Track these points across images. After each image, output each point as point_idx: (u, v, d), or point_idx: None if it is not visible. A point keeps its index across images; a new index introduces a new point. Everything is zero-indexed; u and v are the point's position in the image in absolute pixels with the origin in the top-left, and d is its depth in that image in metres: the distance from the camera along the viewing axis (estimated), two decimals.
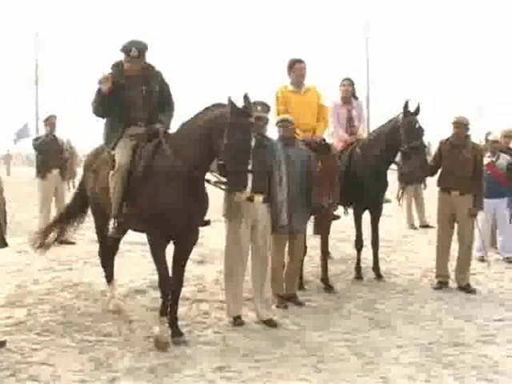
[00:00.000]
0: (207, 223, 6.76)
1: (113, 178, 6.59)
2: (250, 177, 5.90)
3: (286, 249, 7.85)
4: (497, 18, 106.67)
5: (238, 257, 6.97)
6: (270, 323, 6.98)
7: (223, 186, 6.25)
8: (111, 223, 6.72)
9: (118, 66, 6.88)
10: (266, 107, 7.03)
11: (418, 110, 8.49)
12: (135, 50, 6.71)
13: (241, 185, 5.88)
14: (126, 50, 6.73)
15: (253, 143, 5.93)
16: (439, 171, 8.88)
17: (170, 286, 6.43)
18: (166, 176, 6.22)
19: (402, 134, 8.43)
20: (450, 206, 8.63)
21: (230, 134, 5.83)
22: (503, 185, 10.45)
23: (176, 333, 6.48)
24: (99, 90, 6.72)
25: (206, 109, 6.23)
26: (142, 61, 6.81)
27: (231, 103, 5.93)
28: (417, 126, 8.45)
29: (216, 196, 6.39)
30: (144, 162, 6.41)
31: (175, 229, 6.30)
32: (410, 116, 8.46)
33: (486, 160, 10.05)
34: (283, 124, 7.73)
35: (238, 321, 6.99)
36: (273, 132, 8.04)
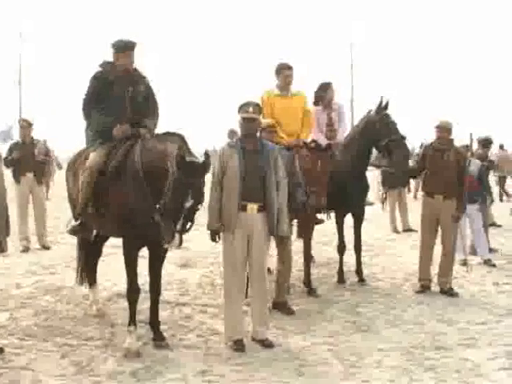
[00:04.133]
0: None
1: (82, 176, 6.61)
2: (177, 236, 5.59)
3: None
4: (475, 29, 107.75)
5: (233, 274, 6.46)
6: (265, 344, 6.49)
7: None
8: (73, 220, 6.76)
9: (107, 65, 6.90)
10: (258, 108, 6.58)
11: (387, 106, 8.58)
12: (134, 46, 6.79)
13: (167, 236, 5.60)
14: (117, 44, 6.78)
15: (188, 205, 5.56)
16: (423, 175, 8.93)
17: (138, 295, 6.39)
18: (131, 180, 6.17)
19: (380, 129, 8.50)
20: (433, 210, 8.66)
21: (169, 189, 5.59)
22: (474, 190, 10.46)
23: (158, 336, 6.46)
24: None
25: (165, 134, 6.21)
26: (132, 58, 6.83)
27: (180, 156, 5.59)
28: (391, 119, 8.53)
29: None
30: (113, 164, 6.37)
31: (142, 232, 6.17)
32: (383, 111, 8.53)
33: None
34: (267, 129, 7.51)
35: (238, 345, 6.38)
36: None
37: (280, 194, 6.53)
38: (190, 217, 5.68)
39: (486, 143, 13.21)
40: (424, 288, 8.72)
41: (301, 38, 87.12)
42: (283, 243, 7.58)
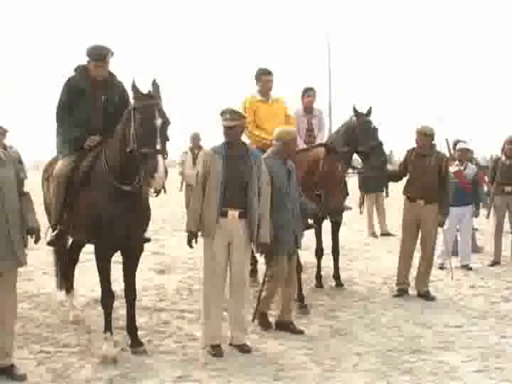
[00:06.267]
0: (147, 240, 6.67)
1: (52, 184, 6.60)
2: (161, 159, 5.57)
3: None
4: (457, 30, 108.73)
5: (213, 278, 6.41)
6: (244, 349, 6.48)
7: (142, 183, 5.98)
8: (51, 230, 6.71)
9: (81, 70, 6.74)
10: (235, 114, 6.46)
11: (369, 112, 8.61)
12: (106, 55, 6.61)
13: (150, 168, 5.54)
14: (95, 54, 6.60)
15: (159, 122, 5.70)
16: (405, 180, 8.99)
17: (112, 301, 6.36)
18: (99, 185, 6.15)
19: (359, 135, 8.51)
20: (415, 215, 8.71)
21: (135, 118, 5.75)
22: (469, 193, 10.55)
23: (136, 342, 6.44)
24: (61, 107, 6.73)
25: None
26: (106, 67, 6.68)
27: (133, 88, 5.86)
28: (372, 126, 8.56)
29: (178, 206, 6.26)
30: (82, 171, 6.36)
31: (113, 238, 6.15)
32: (363, 117, 8.56)
33: (454, 168, 10.22)
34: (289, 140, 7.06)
35: (216, 350, 6.36)
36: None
37: (262, 200, 6.48)
38: (164, 135, 5.77)
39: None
40: (401, 292, 8.77)
41: (277, 42, 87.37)
42: (292, 258, 7.16)
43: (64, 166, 6.54)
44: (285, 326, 7.14)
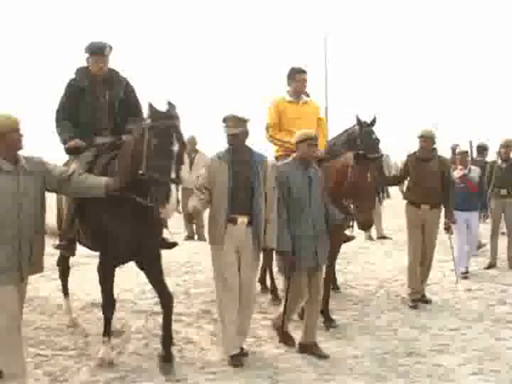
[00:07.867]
0: (172, 245, 6.52)
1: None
2: (173, 188, 5.22)
3: None
4: (453, 36, 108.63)
5: (224, 287, 6.20)
6: (240, 352, 6.35)
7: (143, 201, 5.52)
8: (60, 238, 6.49)
9: (81, 70, 6.67)
10: (238, 121, 6.22)
11: (374, 122, 8.54)
12: (104, 48, 6.53)
13: (161, 197, 5.18)
14: (93, 48, 6.53)
15: (176, 149, 5.32)
16: (407, 184, 8.95)
17: (113, 310, 6.18)
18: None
19: (360, 145, 8.42)
20: (420, 220, 8.59)
21: (149, 139, 5.32)
22: (476, 197, 10.52)
23: (167, 356, 6.07)
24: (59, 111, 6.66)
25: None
26: (104, 61, 6.58)
27: (150, 106, 5.46)
28: (373, 136, 8.49)
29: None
30: (98, 171, 6.09)
31: (121, 249, 5.89)
32: (366, 127, 8.51)
33: (458, 173, 10.20)
34: (310, 142, 6.60)
35: (235, 361, 6.18)
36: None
37: (268, 205, 6.29)
38: (179, 161, 5.39)
39: (481, 150, 13.27)
40: (416, 301, 8.48)
41: (274, 44, 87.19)
42: (315, 275, 6.61)
43: (78, 167, 6.23)
44: (308, 348, 6.60)
